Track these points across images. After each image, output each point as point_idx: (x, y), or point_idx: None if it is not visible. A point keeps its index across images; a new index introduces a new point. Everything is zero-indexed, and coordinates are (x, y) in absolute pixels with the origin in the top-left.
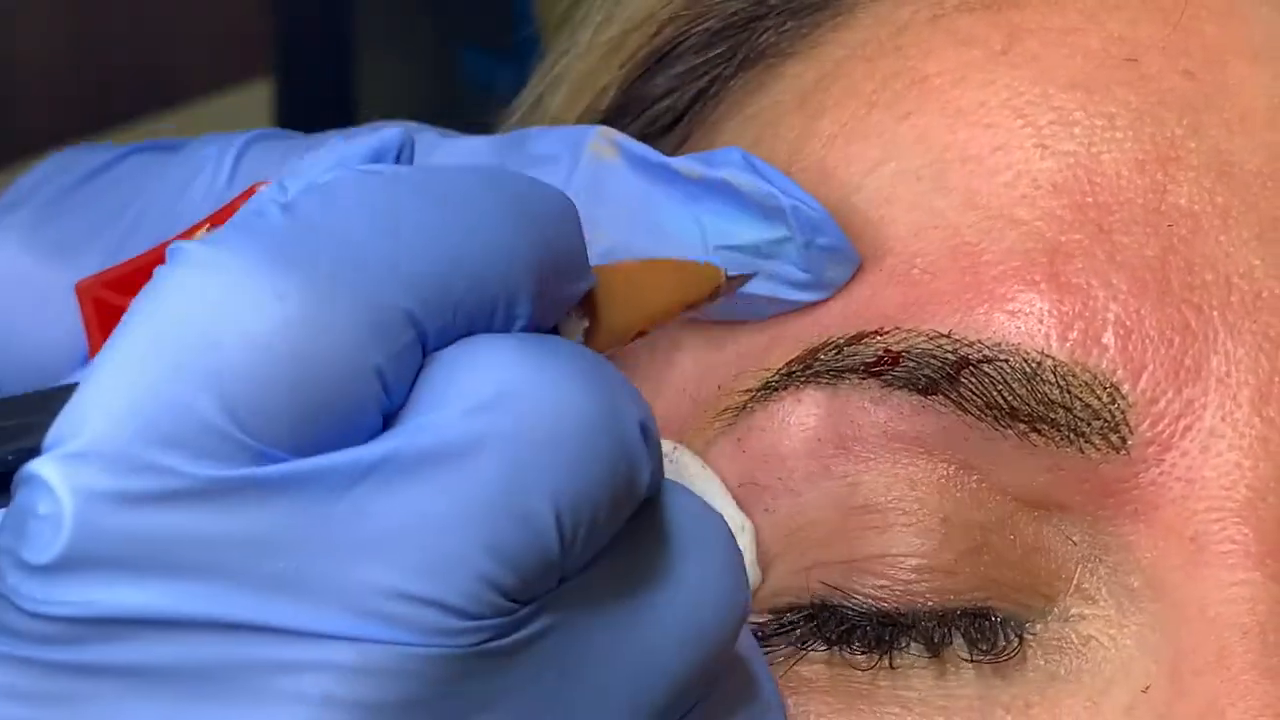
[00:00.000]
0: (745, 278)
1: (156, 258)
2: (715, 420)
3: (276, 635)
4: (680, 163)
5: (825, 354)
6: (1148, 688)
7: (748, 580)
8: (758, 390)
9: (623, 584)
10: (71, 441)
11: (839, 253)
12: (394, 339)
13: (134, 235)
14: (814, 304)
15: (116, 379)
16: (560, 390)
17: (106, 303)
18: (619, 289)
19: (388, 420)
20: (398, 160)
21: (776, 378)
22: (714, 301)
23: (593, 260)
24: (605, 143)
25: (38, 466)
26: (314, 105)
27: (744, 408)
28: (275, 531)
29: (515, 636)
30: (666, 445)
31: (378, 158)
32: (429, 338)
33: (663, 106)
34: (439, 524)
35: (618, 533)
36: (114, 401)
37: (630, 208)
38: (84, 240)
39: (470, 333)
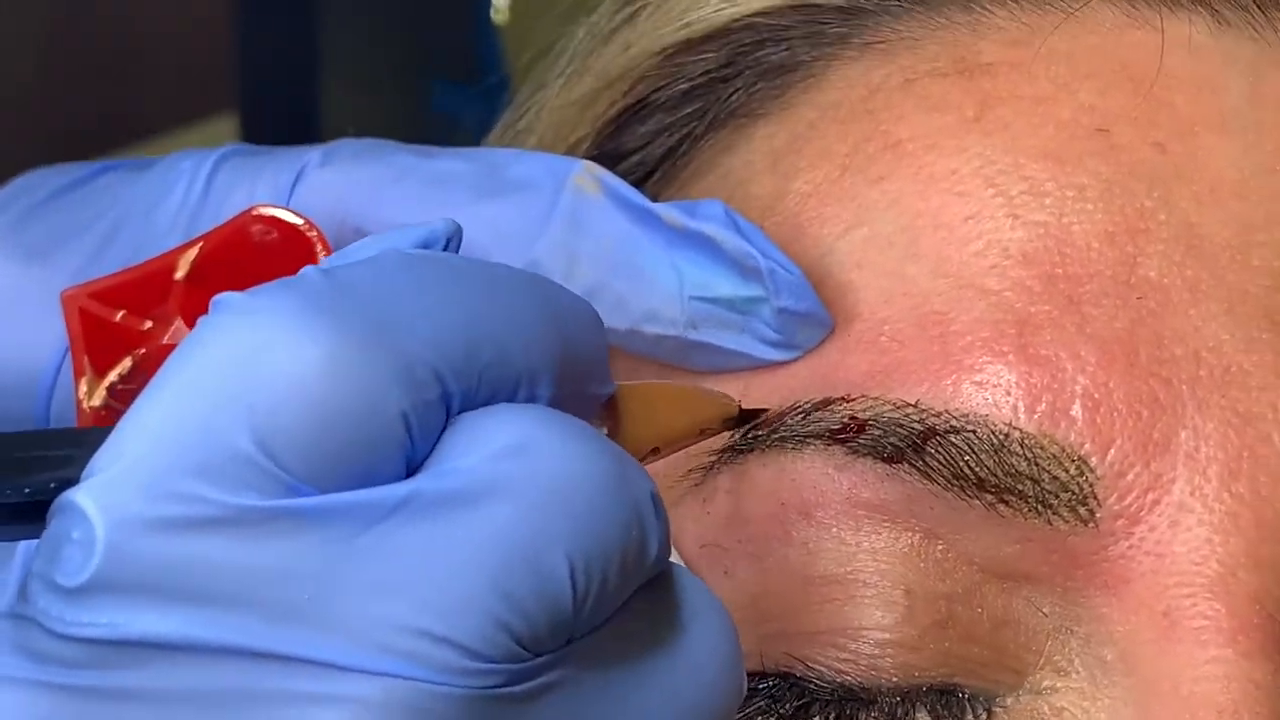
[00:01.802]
0: (760, 411)
1: (144, 272)
2: (683, 479)
3: (295, 665)
4: (663, 209)
5: (792, 419)
6: None
7: (743, 662)
8: (724, 452)
9: (630, 649)
10: (107, 470)
11: (812, 317)
12: (420, 390)
13: (110, 244)
14: (782, 364)
15: (153, 413)
16: (578, 451)
17: (92, 314)
18: (639, 404)
19: (412, 470)
20: (444, 250)
21: (743, 441)
22: (722, 428)
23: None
24: (590, 178)
25: (73, 494)
26: (280, 139)
27: (710, 468)
28: (300, 563)
29: (526, 686)
30: None
31: (426, 246)
32: (454, 399)
33: (633, 161)
34: (456, 564)
35: (628, 599)
36: (150, 432)
37: (611, 246)
38: (59, 246)
39: (494, 403)
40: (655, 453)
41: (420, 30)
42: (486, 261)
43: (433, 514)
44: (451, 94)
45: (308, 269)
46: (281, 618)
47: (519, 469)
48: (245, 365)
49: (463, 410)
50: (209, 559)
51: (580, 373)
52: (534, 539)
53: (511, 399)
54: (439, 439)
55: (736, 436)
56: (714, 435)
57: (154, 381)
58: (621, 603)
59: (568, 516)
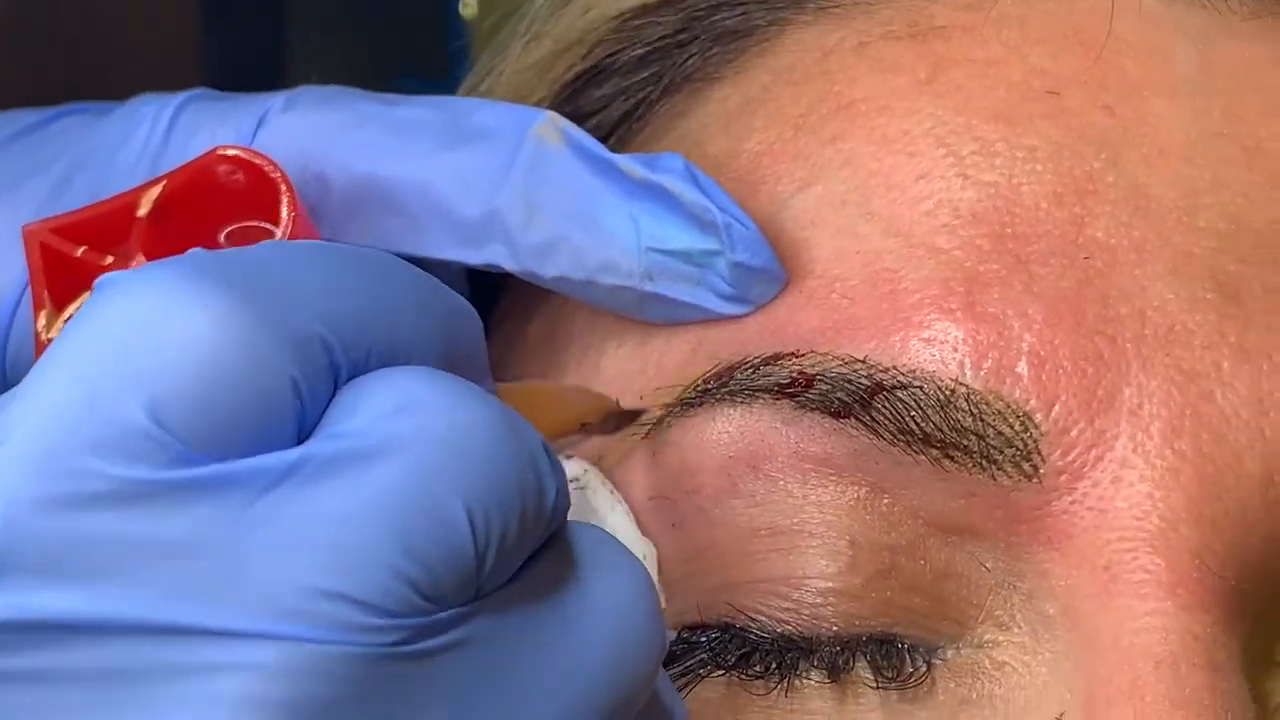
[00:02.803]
0: (639, 412)
1: (106, 209)
2: (634, 432)
3: (196, 636)
4: (623, 160)
5: (741, 373)
6: (1061, 715)
7: (663, 614)
8: (674, 405)
9: (543, 604)
10: None
11: (766, 272)
12: (309, 357)
13: (71, 182)
14: (734, 318)
15: (43, 389)
16: (466, 403)
17: (53, 249)
18: (519, 402)
19: (303, 436)
20: None
21: (693, 394)
22: (604, 426)
23: (533, 250)
24: (552, 128)
25: None
26: None
27: (660, 421)
28: (195, 533)
29: (433, 641)
30: (576, 466)
31: None
32: (342, 370)
33: (590, 125)
34: (352, 521)
35: (535, 555)
36: (39, 409)
37: (570, 197)
38: (18, 184)
39: None
40: None
41: (387, 25)
42: (377, 250)
43: (327, 474)
44: (419, 90)
45: (196, 250)
46: (178, 589)
47: (409, 424)
48: (134, 335)
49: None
50: (104, 534)
51: (465, 365)
52: (430, 490)
53: None
54: (329, 405)
55: (694, 385)
56: (595, 433)
57: (43, 358)
58: (526, 558)
59: (462, 466)
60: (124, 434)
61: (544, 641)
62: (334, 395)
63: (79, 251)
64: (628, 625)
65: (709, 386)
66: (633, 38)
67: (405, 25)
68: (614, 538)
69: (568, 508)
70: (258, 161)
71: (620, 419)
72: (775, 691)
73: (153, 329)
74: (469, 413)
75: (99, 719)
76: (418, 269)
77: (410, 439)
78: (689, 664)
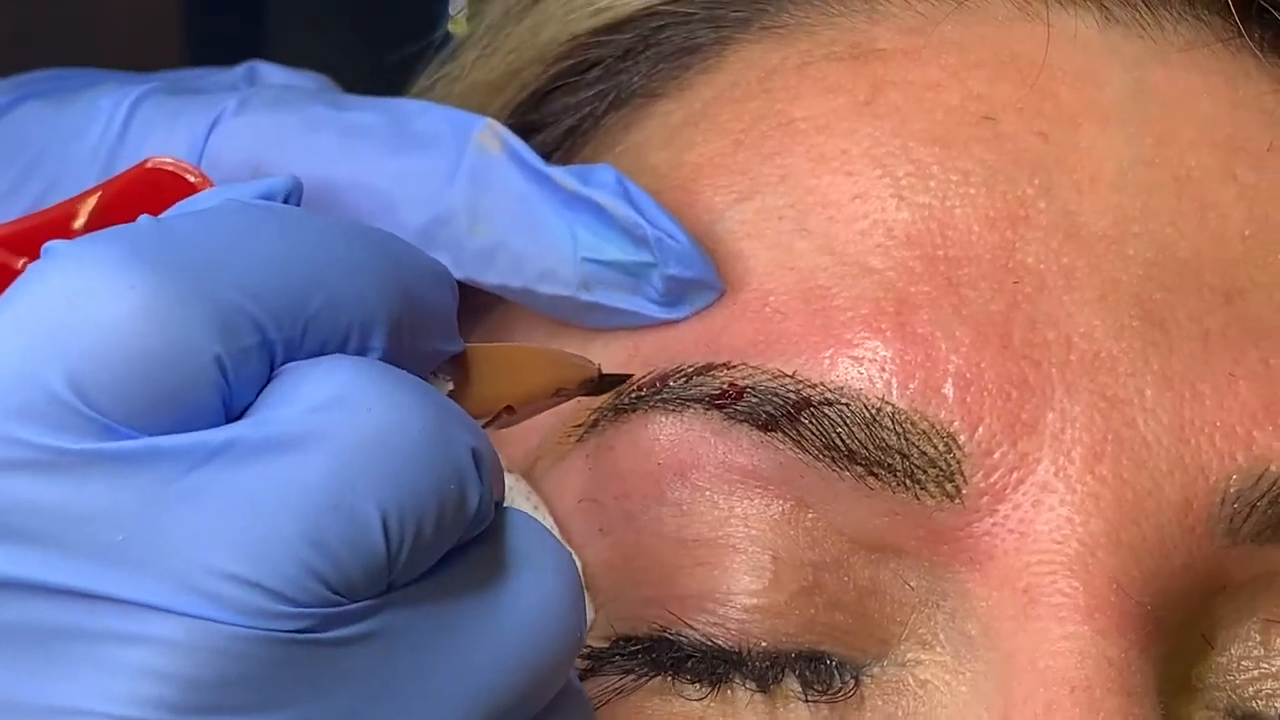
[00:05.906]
0: (622, 377)
1: (44, 219)
2: (570, 434)
3: (105, 604)
4: (557, 173)
5: (675, 381)
6: None
7: (586, 612)
8: (609, 409)
9: (457, 599)
10: None
11: (701, 282)
12: (236, 336)
13: (23, 186)
14: (671, 324)
15: None
16: (396, 404)
17: None
18: (491, 365)
19: (232, 416)
20: (285, 202)
21: (627, 399)
22: (582, 390)
23: (476, 257)
24: (491, 135)
25: None
26: None
27: (595, 424)
28: (114, 505)
29: (340, 632)
30: (507, 479)
31: (267, 198)
32: (277, 348)
33: (537, 140)
34: (268, 510)
35: (462, 549)
36: None
37: (511, 205)
38: None
39: (322, 354)
40: (510, 412)
41: (375, 38)
42: (324, 215)
43: (248, 461)
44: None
45: (143, 218)
46: (93, 557)
47: (335, 420)
48: (64, 311)
49: (288, 359)
50: (22, 498)
51: (422, 328)
52: (346, 488)
53: (342, 349)
54: (266, 387)
55: (608, 398)
56: (570, 397)
57: None
58: (443, 554)
59: (382, 467)
60: (48, 405)
61: (457, 632)
62: (271, 374)
63: (20, 263)
64: (545, 616)
65: (643, 392)
66: (582, 57)
67: (393, 37)
68: (548, 531)
69: (497, 506)
70: (185, 174)
71: (602, 384)
72: (709, 697)
73: (80, 307)
74: (396, 412)
75: (6, 673)
76: (372, 229)
77: (335, 435)
78: (623, 670)
